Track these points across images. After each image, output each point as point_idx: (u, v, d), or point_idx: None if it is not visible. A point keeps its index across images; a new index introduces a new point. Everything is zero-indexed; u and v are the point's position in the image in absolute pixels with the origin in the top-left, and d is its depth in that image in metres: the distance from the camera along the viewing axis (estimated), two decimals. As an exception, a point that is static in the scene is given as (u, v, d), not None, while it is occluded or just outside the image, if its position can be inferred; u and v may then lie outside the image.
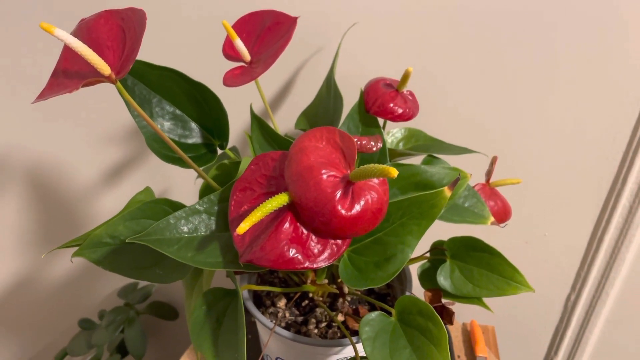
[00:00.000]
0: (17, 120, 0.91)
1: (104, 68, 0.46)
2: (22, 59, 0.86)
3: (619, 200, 0.84)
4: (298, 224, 0.44)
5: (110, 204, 1.00)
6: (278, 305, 0.69)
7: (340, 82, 0.79)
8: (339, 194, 0.42)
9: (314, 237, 0.43)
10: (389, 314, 0.53)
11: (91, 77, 0.47)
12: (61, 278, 1.09)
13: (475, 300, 0.62)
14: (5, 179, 0.96)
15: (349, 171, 0.44)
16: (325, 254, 0.43)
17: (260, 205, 0.41)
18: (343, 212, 0.42)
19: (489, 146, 0.83)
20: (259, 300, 0.70)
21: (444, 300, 0.62)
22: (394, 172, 0.38)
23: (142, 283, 1.08)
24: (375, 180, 0.44)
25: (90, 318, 1.08)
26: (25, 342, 1.17)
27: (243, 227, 0.40)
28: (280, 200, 0.42)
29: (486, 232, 0.88)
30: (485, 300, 0.63)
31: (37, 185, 0.97)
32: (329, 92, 0.69)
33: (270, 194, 0.45)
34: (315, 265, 0.43)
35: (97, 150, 0.93)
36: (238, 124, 0.87)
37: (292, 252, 0.43)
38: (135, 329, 1.02)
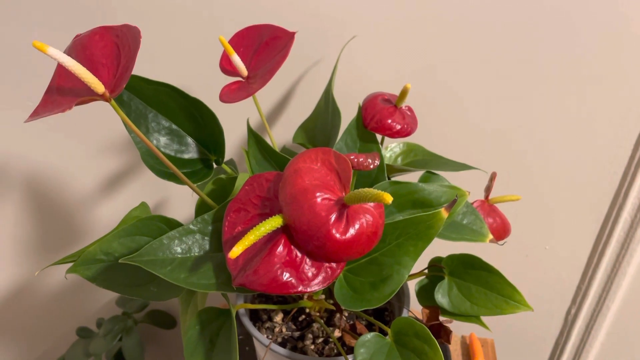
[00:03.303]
0: (16, 129, 0.90)
1: (98, 86, 0.45)
2: (24, 66, 0.85)
3: (621, 214, 0.83)
4: (292, 246, 0.43)
5: (109, 213, 0.99)
6: (275, 319, 0.68)
7: (339, 94, 0.78)
8: (333, 217, 0.41)
9: (308, 260, 0.43)
10: (385, 333, 0.52)
11: (85, 95, 0.46)
12: (59, 286, 1.09)
13: (474, 318, 0.61)
14: (3, 188, 0.96)
15: (344, 194, 0.43)
16: (320, 278, 0.43)
17: (254, 228, 0.41)
18: (337, 235, 0.41)
19: (489, 161, 0.83)
20: (256, 314, 0.70)
21: (441, 318, 0.61)
22: (389, 199, 0.37)
23: (140, 292, 1.08)
24: (371, 203, 0.43)
25: (88, 326, 1.08)
26: (22, 350, 1.17)
27: (235, 251, 0.39)
28: (273, 223, 0.42)
29: (486, 245, 0.87)
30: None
31: (35, 194, 0.97)
32: (327, 106, 0.68)
33: (264, 216, 0.45)
34: (308, 289, 0.42)
35: (96, 161, 0.93)
36: (236, 136, 0.86)
37: (285, 276, 0.42)
38: (133, 338, 1.02)
